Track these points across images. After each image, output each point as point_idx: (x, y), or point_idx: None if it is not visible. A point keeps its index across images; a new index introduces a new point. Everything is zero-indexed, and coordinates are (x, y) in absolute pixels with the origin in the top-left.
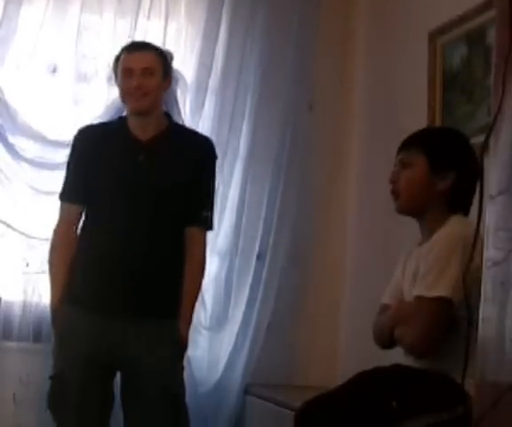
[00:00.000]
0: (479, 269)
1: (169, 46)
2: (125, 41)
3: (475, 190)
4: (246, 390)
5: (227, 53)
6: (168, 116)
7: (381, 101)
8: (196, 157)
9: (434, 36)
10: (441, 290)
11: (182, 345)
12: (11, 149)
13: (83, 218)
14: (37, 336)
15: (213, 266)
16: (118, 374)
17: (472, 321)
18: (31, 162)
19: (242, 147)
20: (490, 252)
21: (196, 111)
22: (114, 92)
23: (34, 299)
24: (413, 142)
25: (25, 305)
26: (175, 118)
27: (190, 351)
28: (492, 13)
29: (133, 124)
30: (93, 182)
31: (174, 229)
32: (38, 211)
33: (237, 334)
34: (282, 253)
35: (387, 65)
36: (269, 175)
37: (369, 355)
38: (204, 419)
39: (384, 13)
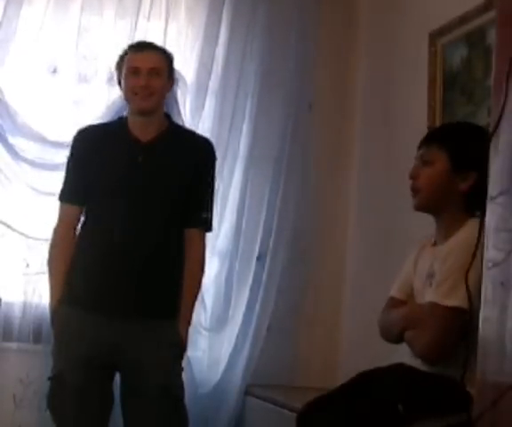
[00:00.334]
0: None
1: (169, 47)
2: (126, 42)
3: None
4: (246, 391)
5: (227, 54)
6: (168, 117)
7: (382, 101)
8: (196, 158)
9: (434, 36)
10: (456, 300)
11: (182, 346)
12: (11, 149)
13: (82, 219)
14: (37, 337)
15: (213, 267)
16: (118, 375)
17: None
18: (31, 163)
19: (242, 147)
20: (490, 252)
21: (196, 112)
22: (114, 93)
23: (34, 300)
24: (435, 139)
25: (25, 306)
26: (175, 119)
27: (190, 352)
28: (492, 14)
29: (134, 125)
30: (93, 183)
31: (173, 230)
32: (38, 211)
33: (237, 335)
34: (282, 255)
35: (387, 65)
36: (270, 176)
37: (370, 355)
38: (204, 420)
39: (385, 13)
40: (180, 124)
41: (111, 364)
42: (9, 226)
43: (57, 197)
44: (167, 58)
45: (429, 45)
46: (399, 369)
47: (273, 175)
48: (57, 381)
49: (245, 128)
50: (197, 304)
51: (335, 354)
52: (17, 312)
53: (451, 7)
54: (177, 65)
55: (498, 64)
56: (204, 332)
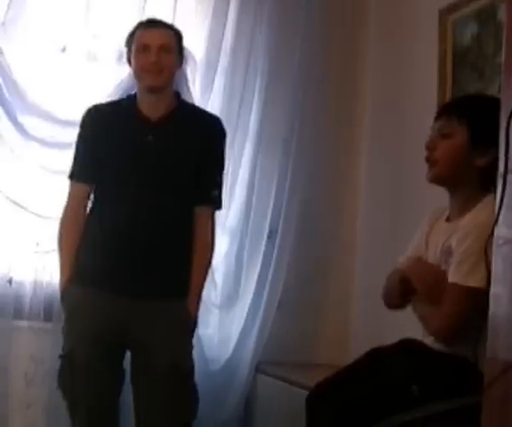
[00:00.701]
0: None
1: (178, 25)
2: (135, 20)
3: None
4: (257, 369)
5: (236, 32)
6: (177, 95)
7: (392, 80)
8: (205, 136)
9: (444, 13)
10: (477, 281)
11: (192, 324)
12: (20, 128)
13: (92, 197)
14: (48, 315)
15: (224, 244)
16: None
17: None
18: (41, 141)
19: (252, 124)
20: (501, 230)
21: (205, 89)
22: (123, 71)
23: (45, 278)
24: (456, 111)
25: (36, 284)
26: (185, 97)
27: (201, 330)
28: None
29: (144, 103)
30: (102, 162)
31: (183, 208)
32: (48, 190)
33: (248, 313)
34: (293, 231)
35: (397, 44)
36: (279, 152)
37: (381, 331)
38: (215, 397)
39: None
40: (190, 102)
41: (121, 342)
42: (19, 205)
43: (67, 175)
44: (176, 35)
45: (439, 22)
46: (411, 348)
47: (283, 152)
48: (67, 359)
49: (255, 105)
50: (208, 282)
51: (346, 330)
52: (28, 291)
53: None
54: (186, 43)
55: (508, 40)
56: (214, 309)
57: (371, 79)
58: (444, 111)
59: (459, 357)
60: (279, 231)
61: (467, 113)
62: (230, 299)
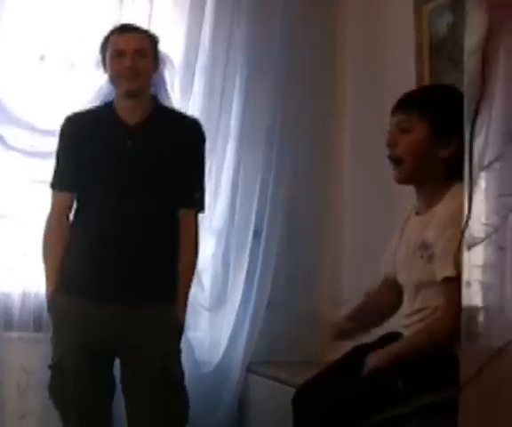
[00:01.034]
0: None
1: (155, 27)
2: (111, 24)
3: None
4: (248, 369)
5: (214, 28)
6: (155, 99)
7: (370, 68)
8: (185, 139)
9: (419, 3)
10: None
11: (179, 329)
12: (0, 139)
13: (75, 205)
14: (38, 325)
15: (210, 246)
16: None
17: None
18: (22, 151)
19: (233, 124)
20: (488, 217)
21: (185, 90)
22: (103, 77)
23: (33, 288)
24: (414, 105)
25: (24, 295)
26: (164, 100)
27: (191, 333)
28: None
29: (122, 108)
30: (83, 169)
31: (166, 212)
32: (32, 200)
33: (237, 313)
34: (278, 229)
35: (374, 32)
36: (262, 150)
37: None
38: (207, 399)
39: None
40: (169, 105)
41: (110, 350)
42: (3, 215)
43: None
44: (151, 39)
45: (414, 12)
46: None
47: (265, 149)
48: (56, 369)
49: (236, 101)
50: (195, 285)
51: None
52: (16, 302)
53: None
54: (164, 46)
55: None
56: (203, 312)
57: (351, 71)
58: (402, 105)
59: (442, 349)
60: (265, 229)
61: (427, 107)
62: (219, 300)
